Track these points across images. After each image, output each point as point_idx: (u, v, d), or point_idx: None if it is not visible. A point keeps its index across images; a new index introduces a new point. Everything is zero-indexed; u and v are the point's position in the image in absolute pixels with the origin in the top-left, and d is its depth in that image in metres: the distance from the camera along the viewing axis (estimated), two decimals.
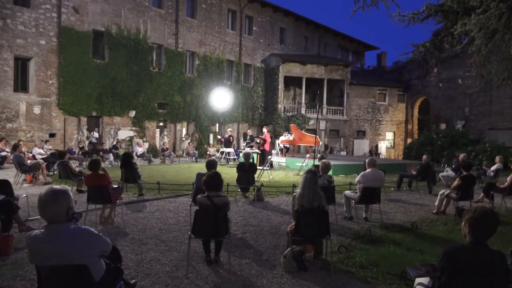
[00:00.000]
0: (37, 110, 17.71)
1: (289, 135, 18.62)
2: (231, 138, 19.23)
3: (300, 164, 14.46)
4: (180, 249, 4.92)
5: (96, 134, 19.47)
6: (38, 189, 9.02)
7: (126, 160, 8.80)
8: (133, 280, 3.66)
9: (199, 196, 4.41)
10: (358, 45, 37.13)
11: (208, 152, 20.33)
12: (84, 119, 19.32)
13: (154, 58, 22.25)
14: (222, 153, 18.73)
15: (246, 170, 8.58)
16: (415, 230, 6.21)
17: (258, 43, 27.75)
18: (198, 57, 24.03)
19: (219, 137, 22.07)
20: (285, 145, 19.18)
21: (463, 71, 25.26)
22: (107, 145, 19.18)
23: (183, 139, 23.23)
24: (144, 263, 4.40)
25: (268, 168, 12.96)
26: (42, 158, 12.41)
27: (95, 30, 19.29)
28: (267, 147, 16.13)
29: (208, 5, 24.55)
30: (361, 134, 30.48)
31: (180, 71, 23.08)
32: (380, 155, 28.55)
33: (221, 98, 23.52)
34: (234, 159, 18.34)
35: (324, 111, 28.19)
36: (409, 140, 29.89)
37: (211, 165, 6.23)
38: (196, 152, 20.80)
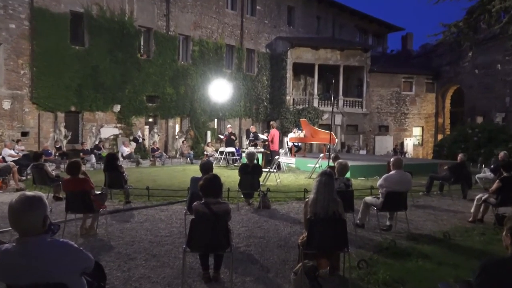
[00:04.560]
0: (6, 105, 17.82)
1: (300, 131, 18.62)
2: (232, 136, 19.22)
3: (313, 166, 14.48)
4: (174, 265, 4.94)
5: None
6: (8, 197, 9.06)
7: (110, 163, 8.84)
8: None
9: (195, 203, 4.42)
10: (380, 26, 37.07)
11: (205, 153, 20.37)
12: (61, 115, 19.43)
13: (142, 43, 22.33)
14: (221, 153, 18.75)
15: (250, 172, 8.58)
16: (447, 241, 6.20)
17: (262, 25, 27.75)
18: (193, 42, 24.07)
19: (221, 136, 22.07)
20: (295, 144, 19.19)
21: (503, 55, 25.08)
22: (88, 145, 19.27)
23: (176, 137, 23.29)
24: (132, 281, 4.42)
25: (275, 170, 12.96)
26: (13, 161, 12.49)
27: (73, 12, 19.36)
28: (275, 146, 16.12)
29: None
30: (383, 129, 30.41)
31: (172, 58, 23.14)
32: (406, 154, 28.49)
33: (220, 90, 23.58)
34: (236, 160, 18.37)
35: (340, 103, 28.15)
36: (439, 136, 29.78)
37: (207, 167, 6.20)
38: (192, 152, 20.84)
